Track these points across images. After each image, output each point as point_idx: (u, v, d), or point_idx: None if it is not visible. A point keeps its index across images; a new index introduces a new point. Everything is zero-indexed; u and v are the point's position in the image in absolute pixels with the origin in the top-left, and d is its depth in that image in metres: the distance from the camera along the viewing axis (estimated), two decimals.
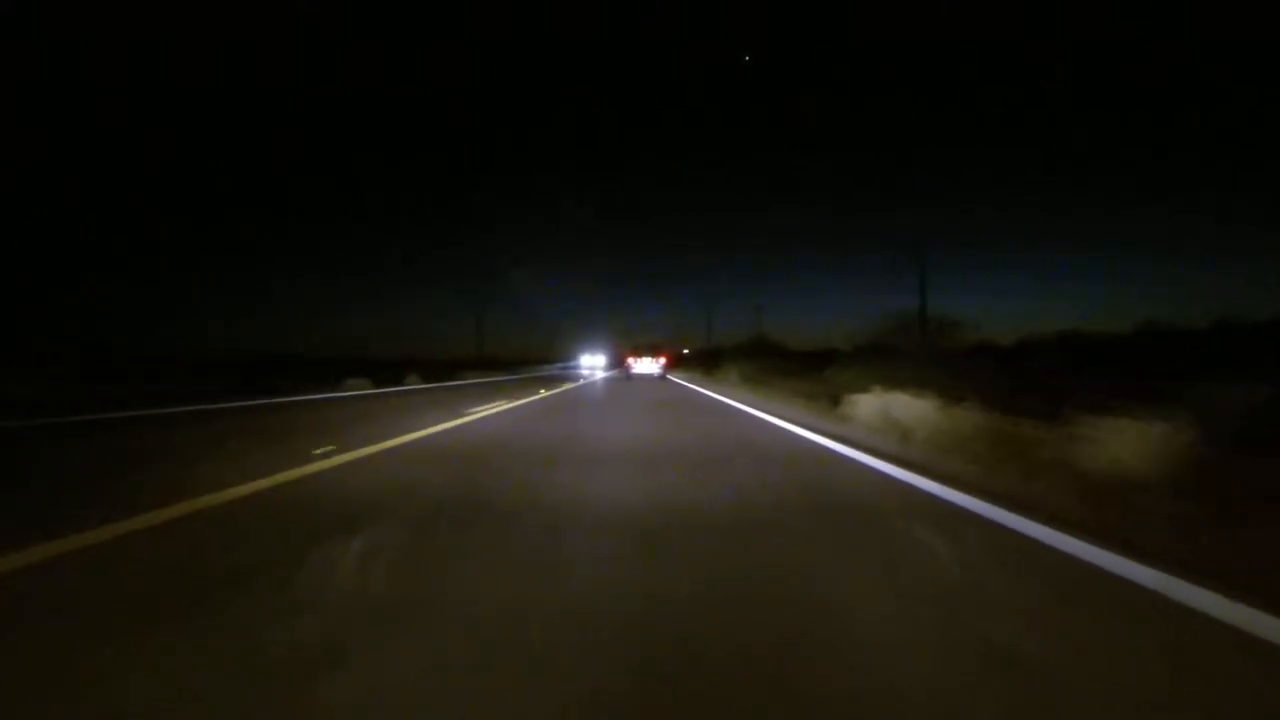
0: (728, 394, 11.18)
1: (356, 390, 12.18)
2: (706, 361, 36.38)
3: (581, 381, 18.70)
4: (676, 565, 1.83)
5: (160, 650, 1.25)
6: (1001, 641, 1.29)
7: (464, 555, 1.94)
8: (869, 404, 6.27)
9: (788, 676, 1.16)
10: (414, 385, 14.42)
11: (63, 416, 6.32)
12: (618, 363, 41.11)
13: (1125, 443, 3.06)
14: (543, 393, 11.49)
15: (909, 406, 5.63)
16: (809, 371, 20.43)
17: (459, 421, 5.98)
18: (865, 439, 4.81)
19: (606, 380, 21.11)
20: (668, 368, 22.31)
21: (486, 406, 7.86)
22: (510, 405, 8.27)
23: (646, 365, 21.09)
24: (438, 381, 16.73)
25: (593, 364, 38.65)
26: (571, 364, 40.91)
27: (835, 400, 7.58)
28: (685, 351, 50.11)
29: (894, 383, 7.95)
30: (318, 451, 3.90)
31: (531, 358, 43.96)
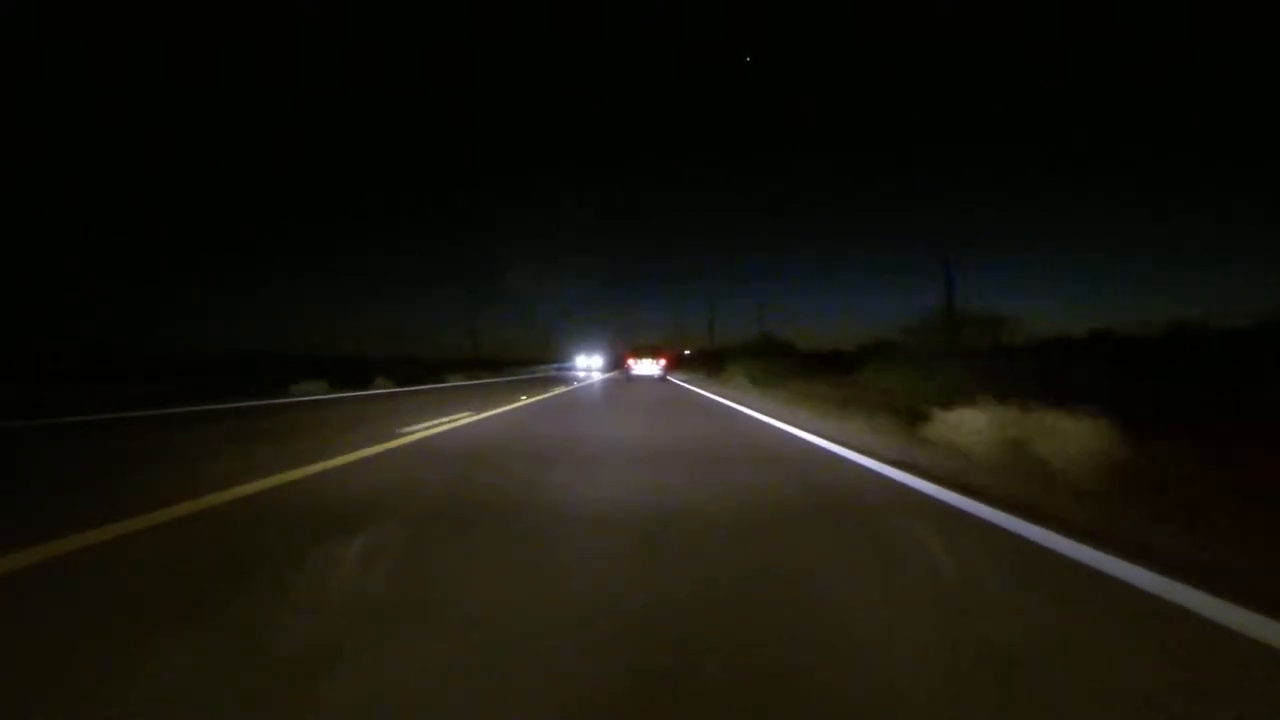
0: (745, 402, 9.26)
1: (304, 395, 10.25)
2: (709, 362, 34.55)
3: (575, 385, 16.77)
4: None
5: None
6: None
7: None
8: (972, 424, 4.35)
9: None
10: (376, 390, 12.47)
11: None
12: (617, 364, 39.93)
13: None
14: (523, 399, 9.58)
15: (1055, 433, 3.72)
16: (827, 373, 18.61)
17: (377, 449, 4.07)
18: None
19: (604, 383, 19.29)
20: (668, 369, 21.96)
21: (440, 420, 5.95)
22: (472, 419, 6.36)
23: (647, 366, 20.64)
24: (413, 384, 14.82)
25: (589, 365, 36.82)
26: (567, 365, 39.06)
27: (900, 414, 5.69)
28: (686, 352, 48.63)
29: (952, 389, 6.22)
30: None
31: (528, 358, 42.33)
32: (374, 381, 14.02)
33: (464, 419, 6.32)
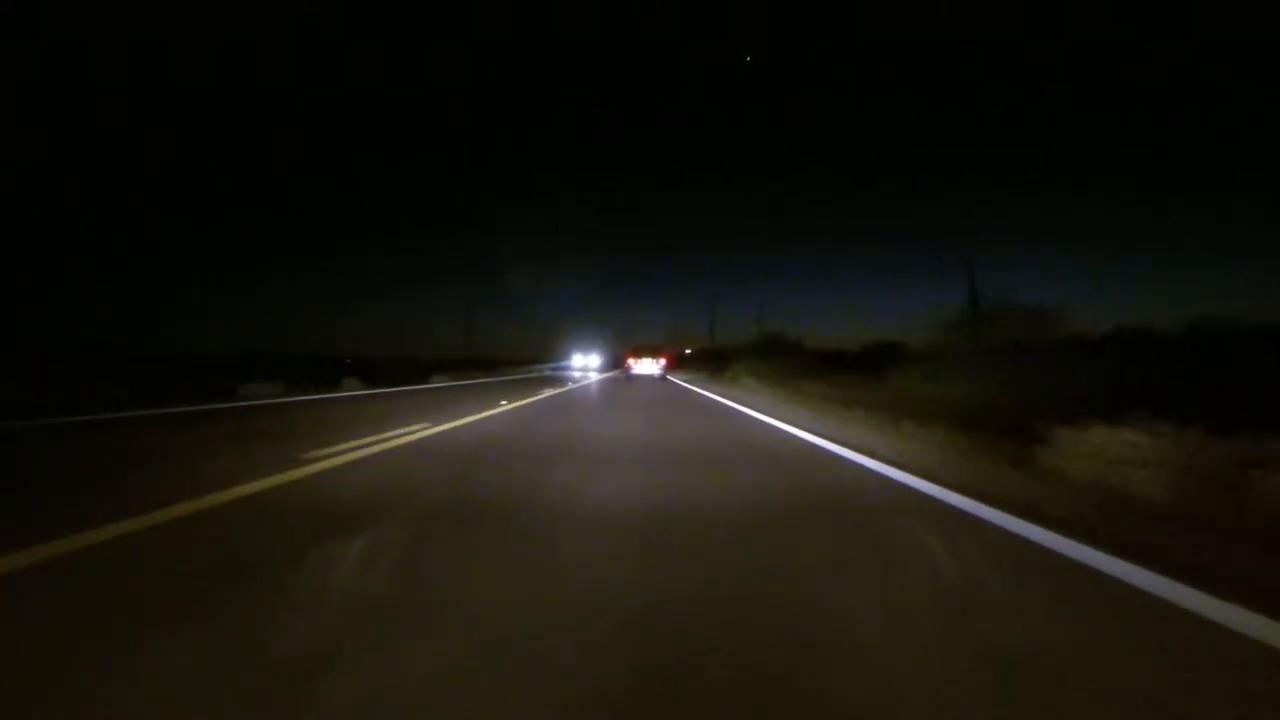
0: (766, 410, 7.85)
1: (251, 399, 8.82)
2: (711, 362, 33.21)
3: (569, 386, 15.34)
4: None
5: None
6: None
7: None
8: (1119, 450, 2.95)
9: None
10: (338, 394, 11.02)
11: None
12: (616, 363, 38.81)
13: None
14: (502, 405, 8.17)
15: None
16: (841, 374, 17.21)
17: (247, 490, 2.65)
18: None
19: (601, 384, 17.87)
20: (668, 368, 22.06)
21: (381, 436, 4.54)
22: (423, 434, 4.95)
23: (647, 366, 20.69)
24: (388, 386, 13.39)
25: (585, 365, 35.35)
26: (563, 365, 37.56)
27: (972, 428, 4.29)
28: (687, 351, 47.60)
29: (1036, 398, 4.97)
30: None
31: (524, 358, 40.90)
32: (342, 384, 12.58)
33: (413, 433, 4.91)
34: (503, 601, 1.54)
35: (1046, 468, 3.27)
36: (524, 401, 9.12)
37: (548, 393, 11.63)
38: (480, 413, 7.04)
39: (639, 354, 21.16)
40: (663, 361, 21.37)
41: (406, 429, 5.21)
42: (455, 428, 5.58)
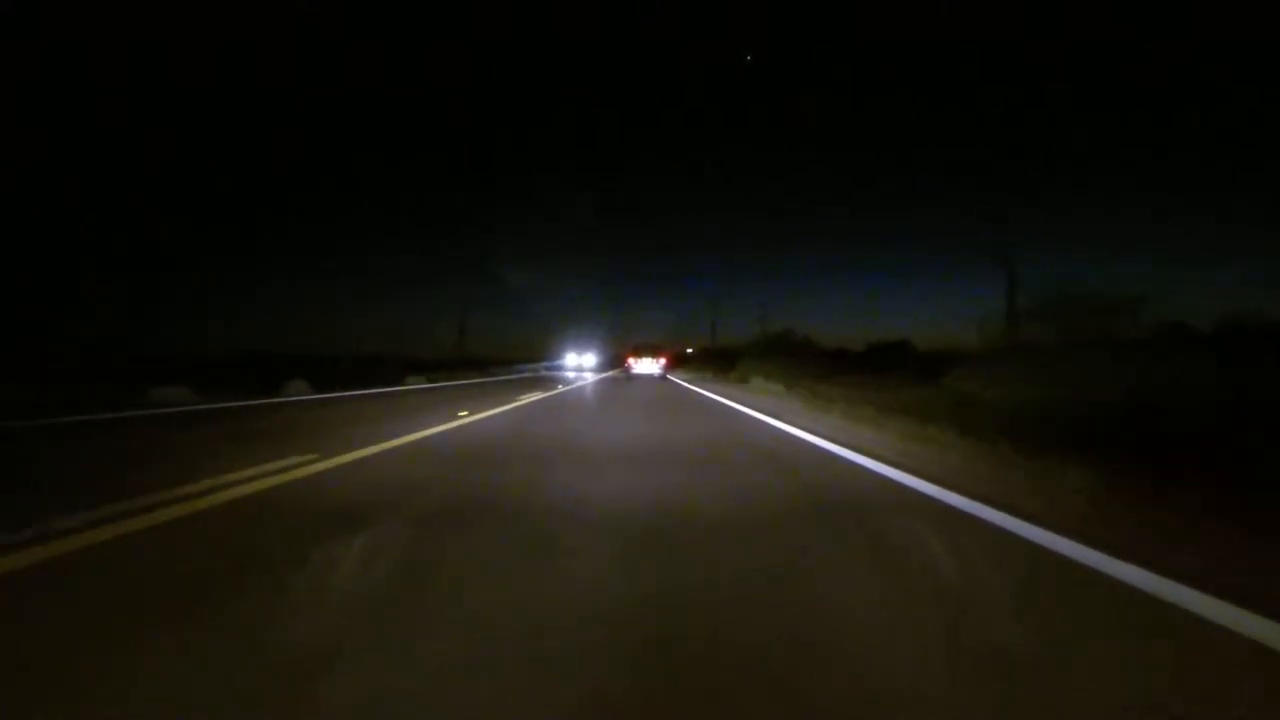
0: (797, 421, 5.86)
1: (158, 405, 6.83)
2: (714, 361, 31.18)
3: (559, 389, 13.35)
4: None
5: None
6: None
7: None
8: None
9: None
10: (270, 399, 9.02)
11: None
12: (616, 362, 37.11)
13: None
14: (462, 416, 6.22)
15: None
16: (862, 374, 15.28)
17: None
18: None
19: (597, 385, 15.89)
20: (668, 368, 22.33)
21: (225, 480, 2.57)
22: (301, 472, 2.97)
23: (647, 365, 20.83)
24: (350, 389, 11.42)
25: (580, 364, 33.37)
26: (557, 364, 35.48)
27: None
28: (689, 351, 45.78)
29: None
30: None
31: (521, 357, 38.86)
32: (284, 387, 10.58)
33: (281, 472, 2.95)
34: None
35: None
36: (488, 413, 7.13)
37: (528, 398, 9.65)
38: (415, 432, 5.06)
39: (639, 353, 21.29)
40: (663, 361, 21.40)
41: (279, 463, 3.24)
42: (357, 460, 3.60)
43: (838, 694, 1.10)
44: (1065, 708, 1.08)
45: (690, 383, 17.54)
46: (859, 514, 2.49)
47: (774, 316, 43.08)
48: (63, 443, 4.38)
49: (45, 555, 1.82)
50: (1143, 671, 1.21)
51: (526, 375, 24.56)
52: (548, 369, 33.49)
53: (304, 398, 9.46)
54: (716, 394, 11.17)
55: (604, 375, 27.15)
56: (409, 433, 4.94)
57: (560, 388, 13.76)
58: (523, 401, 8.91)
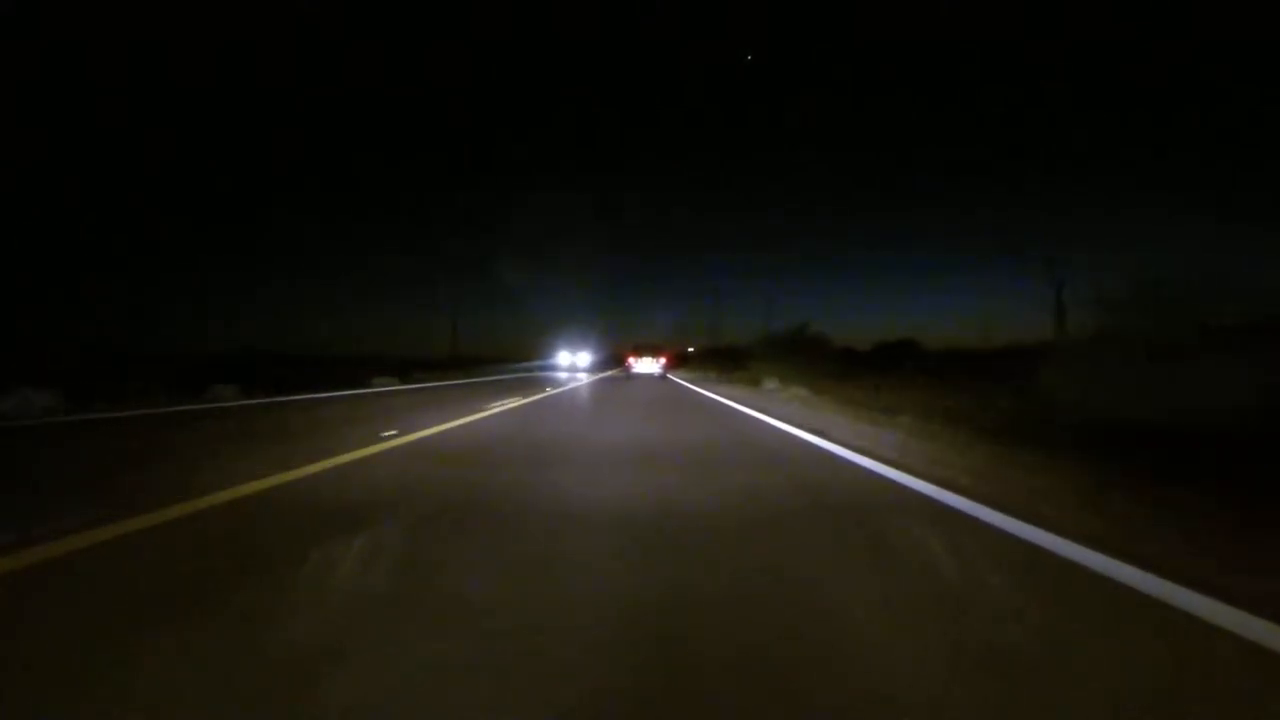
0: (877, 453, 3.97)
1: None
2: (718, 360, 29.28)
3: (549, 391, 11.51)
4: None
5: None
6: None
7: None
8: None
9: None
10: (163, 409, 7.19)
11: None
12: (616, 361, 35.50)
13: None
14: (384, 440, 4.38)
15: None
16: (881, 374, 13.41)
17: None
18: None
19: (591, 388, 14.02)
20: (668, 367, 22.35)
21: None
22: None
23: (647, 365, 20.93)
24: (300, 392, 9.61)
25: (574, 364, 31.42)
26: (549, 364, 33.47)
27: None
28: (690, 350, 44.02)
29: None
30: None
31: (519, 356, 37.03)
32: (208, 391, 8.75)
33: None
34: None
35: None
36: (428, 431, 5.28)
37: (499, 406, 7.79)
38: (365, 449, 3.22)
39: (639, 353, 21.38)
40: (663, 360, 21.46)
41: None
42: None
43: None
44: None
45: (696, 384, 15.64)
46: None
47: (778, 314, 41.35)
48: None
49: None
50: None
51: (516, 376, 22.66)
52: (540, 369, 31.62)
53: (219, 406, 7.60)
54: (731, 399, 9.29)
55: (601, 375, 25.28)
56: (371, 444, 3.11)
57: (548, 390, 11.89)
58: (490, 411, 7.05)
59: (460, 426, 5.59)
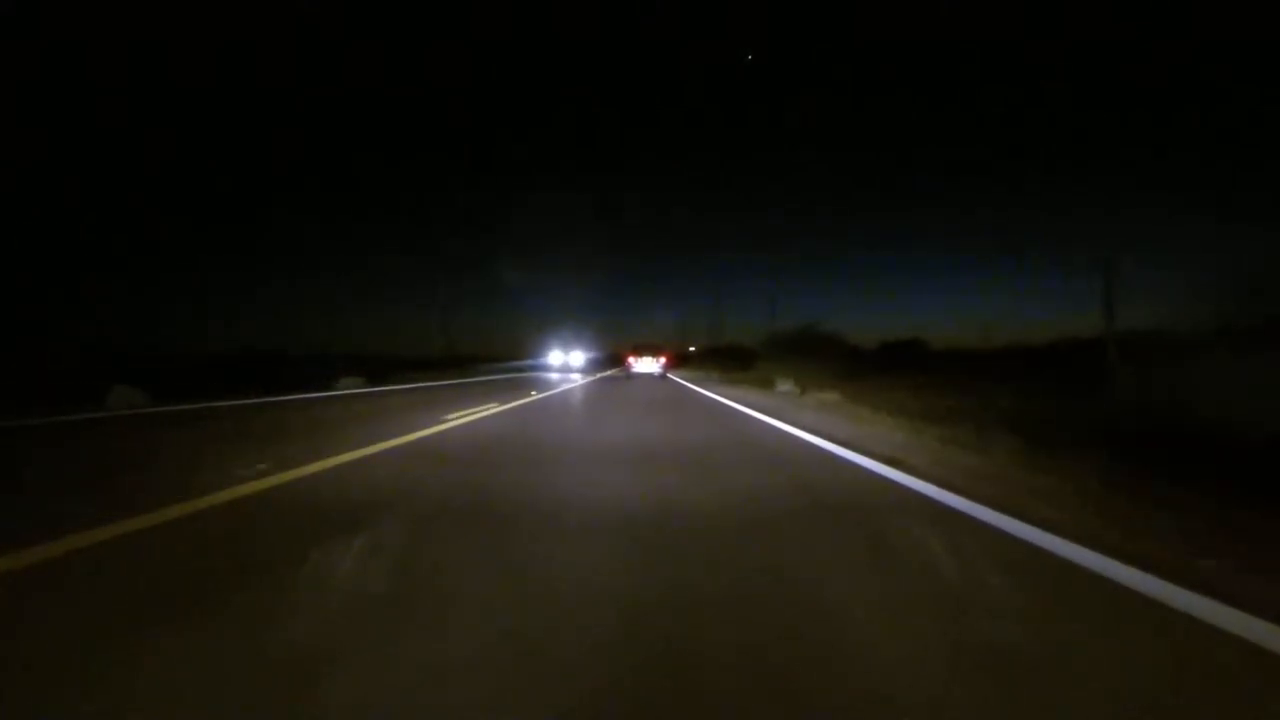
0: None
1: None
2: (722, 360, 27.64)
3: (534, 395, 9.95)
4: None
5: None
6: None
7: None
8: None
9: None
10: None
11: None
12: (614, 361, 34.08)
13: None
14: (263, 474, 2.80)
15: None
16: (902, 374, 11.79)
17: None
18: None
19: (585, 390, 12.42)
20: (668, 367, 22.39)
21: None
22: None
23: (647, 365, 20.98)
24: (206, 400, 8.02)
25: (567, 364, 29.67)
26: (541, 363, 31.70)
27: None
28: (691, 350, 42.51)
29: None
30: None
31: (508, 355, 35.49)
32: (109, 394, 7.17)
33: None
34: None
35: None
36: (319, 466, 3.68)
37: (458, 418, 6.20)
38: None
39: (639, 352, 21.34)
40: (663, 360, 21.46)
41: None
42: None
43: None
44: None
45: (702, 386, 14.01)
46: None
47: (780, 313, 39.75)
48: None
49: None
50: None
51: (502, 376, 20.99)
52: (531, 368, 29.92)
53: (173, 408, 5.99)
54: (748, 406, 7.71)
55: (597, 376, 23.54)
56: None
57: (532, 394, 10.28)
58: (436, 429, 5.46)
59: (382, 453, 4.00)
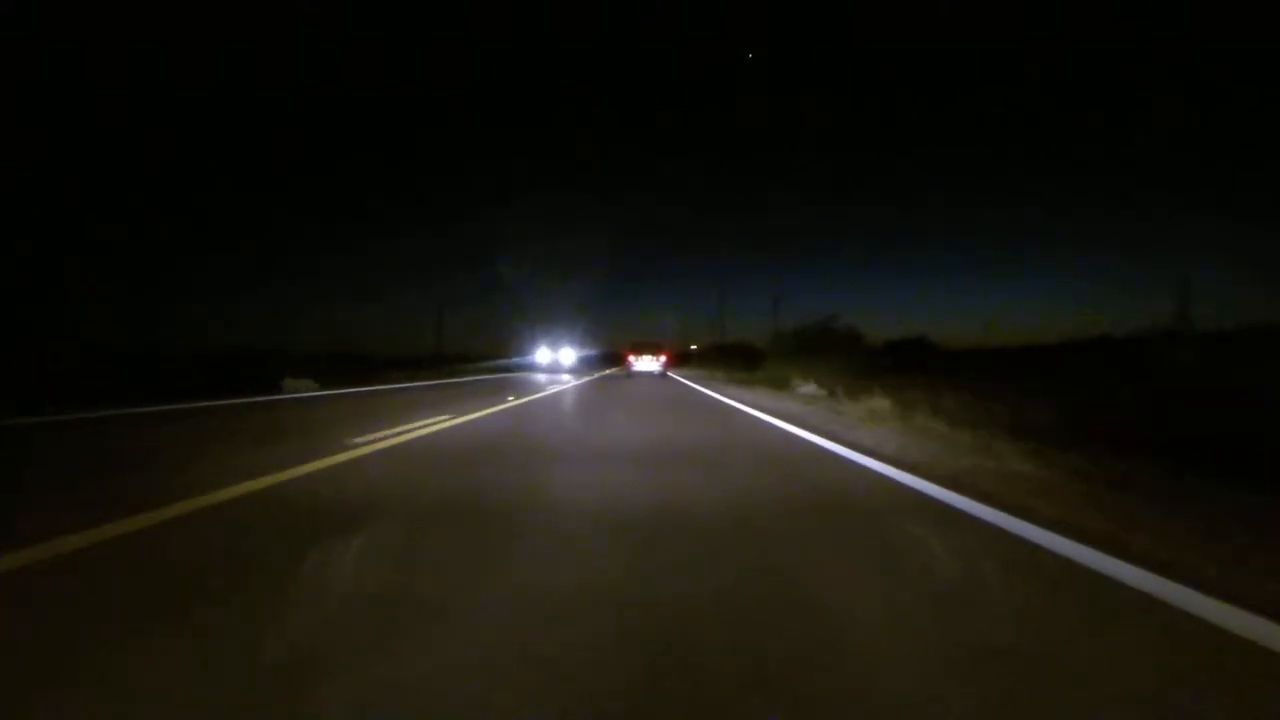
0: None
1: None
2: (727, 359, 25.83)
3: (511, 402, 8.20)
4: None
5: None
6: None
7: None
8: None
9: None
10: None
11: None
12: (614, 360, 32.58)
13: None
14: None
15: None
16: (924, 375, 9.62)
17: None
18: None
19: (575, 394, 10.58)
20: (668, 366, 22.42)
21: None
22: None
23: (647, 363, 21.05)
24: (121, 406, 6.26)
25: (556, 363, 27.76)
26: (528, 362, 29.68)
27: None
28: (693, 348, 40.86)
29: None
30: None
31: (501, 354, 33.63)
32: None
33: None
34: None
35: None
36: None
37: (382, 439, 4.44)
38: None
39: (639, 351, 21.37)
40: (663, 359, 21.56)
41: None
42: None
43: None
44: None
45: (713, 389, 12.10)
46: None
47: (786, 311, 37.98)
48: None
49: None
50: None
51: (482, 378, 19.16)
52: (519, 367, 28.01)
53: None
54: (795, 424, 5.93)
55: (594, 375, 21.86)
56: None
57: (509, 400, 8.46)
58: (346, 455, 3.67)
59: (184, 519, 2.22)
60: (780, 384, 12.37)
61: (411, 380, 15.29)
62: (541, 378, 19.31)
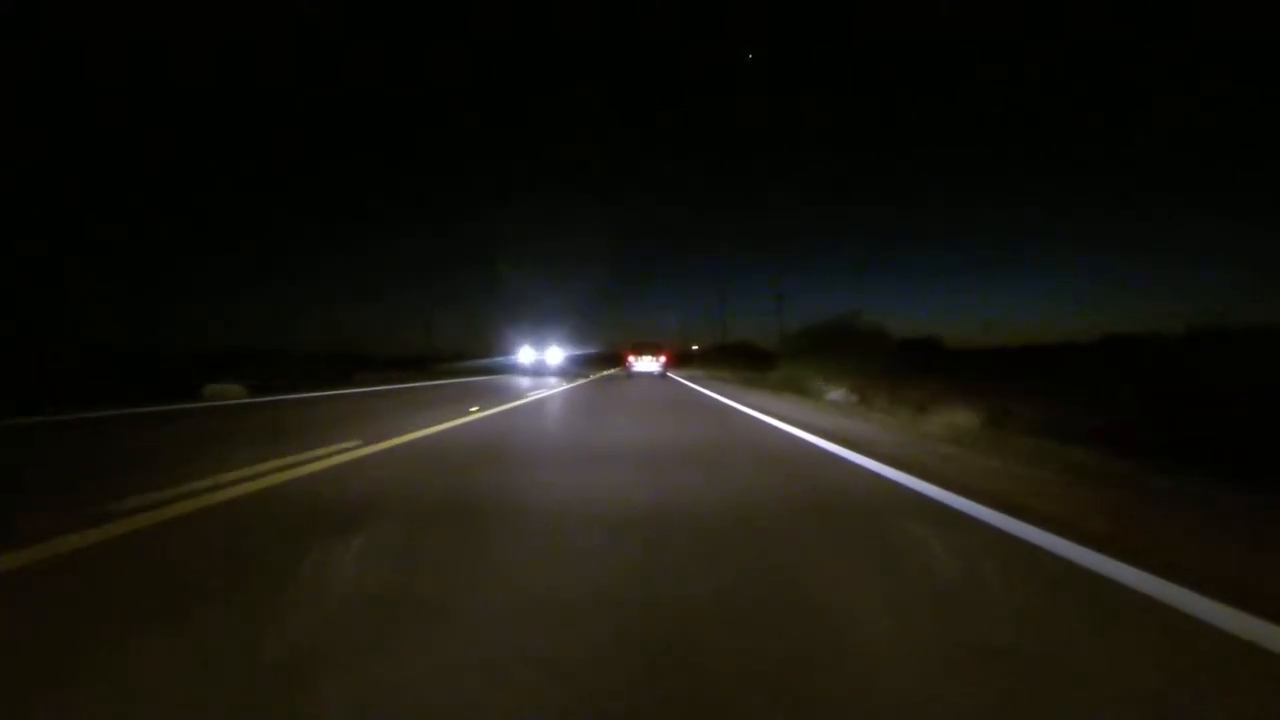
0: None
1: None
2: (731, 359, 25.53)
3: (472, 415, 6.38)
4: None
5: None
6: None
7: None
8: None
9: None
10: None
11: None
12: (613, 361, 32.28)
13: None
14: None
15: None
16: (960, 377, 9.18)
17: None
18: None
19: (562, 401, 9.13)
20: (668, 366, 22.20)
21: None
22: None
23: (647, 364, 20.89)
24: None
25: (542, 364, 26.75)
26: (510, 362, 28.24)
27: None
28: (694, 348, 40.83)
29: None
30: None
31: (496, 353, 32.88)
32: None
33: None
34: None
35: None
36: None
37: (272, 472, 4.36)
38: None
39: (639, 351, 21.18)
40: (662, 359, 21.37)
41: None
42: None
43: None
44: None
45: (728, 395, 10.06)
46: None
47: (790, 311, 37.95)
48: None
49: None
50: None
51: (456, 381, 16.71)
52: (502, 368, 26.65)
53: None
54: (879, 460, 5.85)
55: (590, 378, 20.32)
56: None
57: (471, 412, 6.55)
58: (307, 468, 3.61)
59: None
60: (800, 387, 10.75)
61: (383, 383, 14.20)
62: (525, 382, 15.83)
